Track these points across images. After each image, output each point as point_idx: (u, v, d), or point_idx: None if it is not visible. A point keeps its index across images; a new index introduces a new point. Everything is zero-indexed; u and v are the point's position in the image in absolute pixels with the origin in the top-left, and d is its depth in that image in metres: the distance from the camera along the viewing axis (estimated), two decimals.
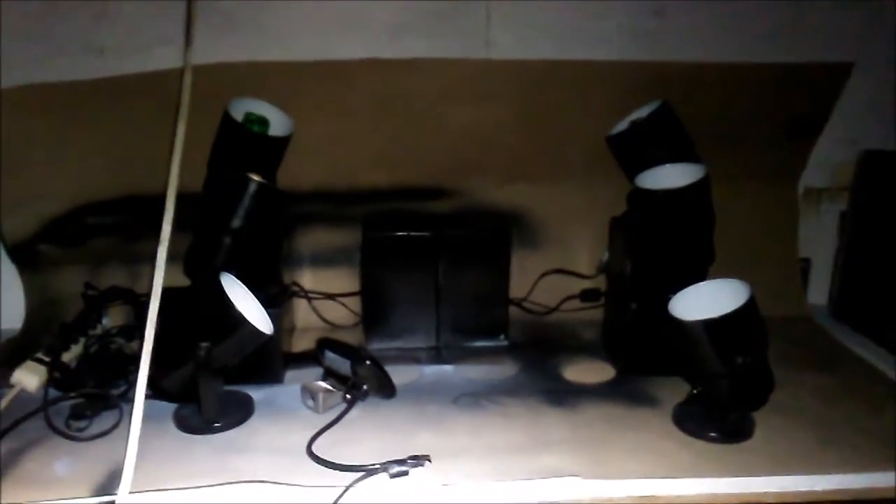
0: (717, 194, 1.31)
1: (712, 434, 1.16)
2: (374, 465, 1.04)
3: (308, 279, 1.62)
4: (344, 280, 1.61)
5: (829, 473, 1.07)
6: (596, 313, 1.62)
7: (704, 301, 1.14)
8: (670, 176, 1.30)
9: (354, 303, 1.61)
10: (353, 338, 1.52)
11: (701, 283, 1.19)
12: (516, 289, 1.57)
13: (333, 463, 1.07)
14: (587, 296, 1.64)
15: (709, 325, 1.09)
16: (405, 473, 1.04)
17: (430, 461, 1.06)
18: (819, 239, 1.72)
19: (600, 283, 1.63)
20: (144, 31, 1.40)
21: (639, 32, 1.48)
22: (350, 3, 1.42)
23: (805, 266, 1.72)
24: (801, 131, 1.60)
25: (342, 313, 1.62)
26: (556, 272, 1.66)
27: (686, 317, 1.12)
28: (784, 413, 1.22)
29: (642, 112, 1.41)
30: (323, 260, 1.62)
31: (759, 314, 1.12)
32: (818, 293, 1.74)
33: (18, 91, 1.39)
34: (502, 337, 1.54)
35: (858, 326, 1.60)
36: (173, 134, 1.16)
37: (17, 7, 1.37)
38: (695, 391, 1.21)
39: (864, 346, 1.52)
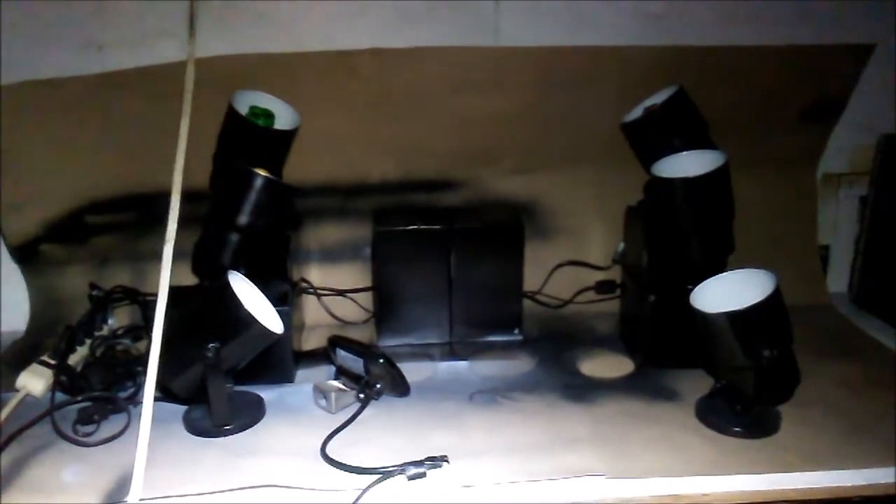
0: (733, 181, 1.27)
1: (737, 429, 1.13)
2: (390, 467, 1.02)
3: (316, 275, 1.58)
4: (353, 275, 1.58)
5: (859, 468, 1.04)
6: (611, 305, 1.59)
7: (727, 292, 1.11)
8: (688, 164, 1.26)
9: (364, 298, 1.58)
10: (363, 334, 1.50)
11: (724, 274, 1.15)
12: (529, 281, 1.53)
13: (349, 465, 1.04)
14: (602, 287, 1.61)
15: (733, 317, 1.06)
16: (423, 475, 1.01)
17: (447, 462, 1.03)
18: (838, 225, 1.68)
19: (615, 274, 1.60)
20: (145, 25, 1.37)
21: (652, 16, 1.43)
22: None
23: (824, 253, 1.68)
24: (819, 115, 1.56)
25: (352, 309, 1.59)
26: (569, 264, 1.62)
27: (709, 309, 1.09)
28: (809, 405, 1.18)
29: (657, 98, 1.37)
30: (331, 255, 1.59)
31: (784, 305, 1.09)
32: (838, 281, 1.70)
33: (17, 88, 1.36)
34: (516, 331, 1.50)
35: (880, 314, 1.57)
36: (177, 129, 1.13)
37: (15, 3, 1.34)
38: (718, 385, 1.18)
39: (886, 333, 1.49)
